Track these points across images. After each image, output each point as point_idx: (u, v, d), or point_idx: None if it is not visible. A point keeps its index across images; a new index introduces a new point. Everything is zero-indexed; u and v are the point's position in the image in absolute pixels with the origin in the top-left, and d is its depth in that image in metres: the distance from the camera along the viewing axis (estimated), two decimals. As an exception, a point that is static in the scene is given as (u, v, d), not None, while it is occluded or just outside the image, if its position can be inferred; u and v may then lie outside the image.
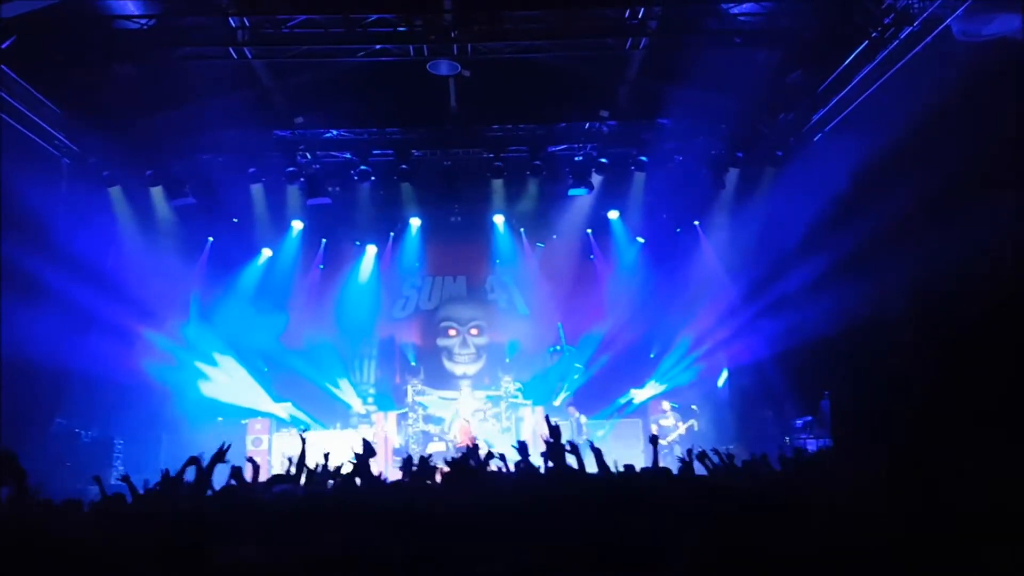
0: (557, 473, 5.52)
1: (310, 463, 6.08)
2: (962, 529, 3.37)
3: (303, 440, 6.27)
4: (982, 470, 4.65)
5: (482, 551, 3.22)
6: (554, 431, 5.68)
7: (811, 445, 12.61)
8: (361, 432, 15.69)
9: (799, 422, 13.46)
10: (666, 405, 15.18)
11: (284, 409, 15.78)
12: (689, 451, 6.37)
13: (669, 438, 14.41)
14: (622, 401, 16.17)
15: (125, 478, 6.03)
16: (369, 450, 6.06)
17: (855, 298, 11.62)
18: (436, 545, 3.28)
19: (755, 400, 14.76)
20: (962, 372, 8.96)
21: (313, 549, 3.25)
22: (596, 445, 6.53)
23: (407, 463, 6.83)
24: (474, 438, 14.91)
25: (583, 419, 15.29)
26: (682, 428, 14.69)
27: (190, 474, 5.35)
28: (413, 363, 17.19)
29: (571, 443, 5.76)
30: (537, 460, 5.94)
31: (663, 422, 14.91)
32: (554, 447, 5.52)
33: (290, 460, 6.32)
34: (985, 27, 8.86)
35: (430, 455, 9.88)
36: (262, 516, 3.97)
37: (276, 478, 6.21)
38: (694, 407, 15.05)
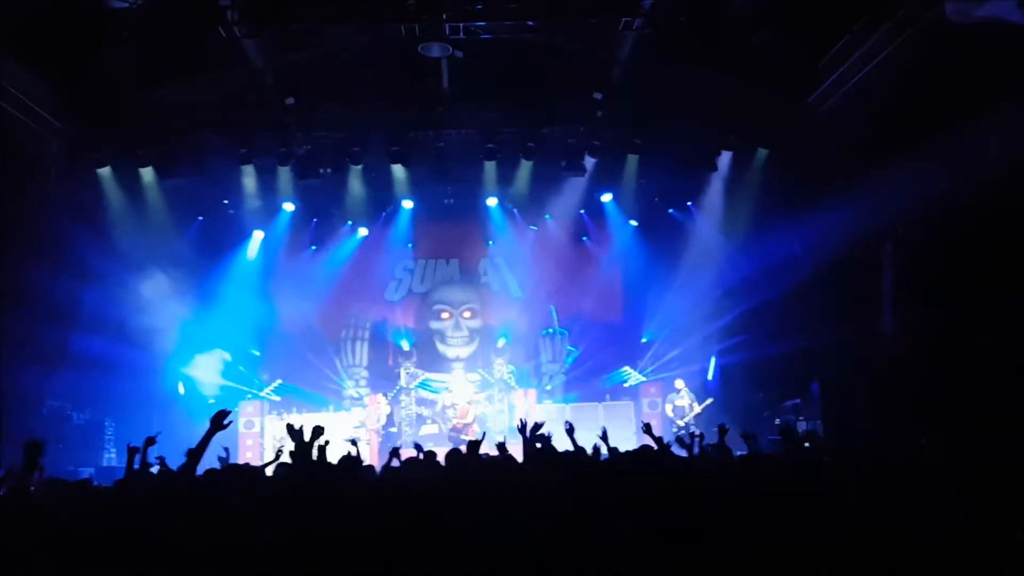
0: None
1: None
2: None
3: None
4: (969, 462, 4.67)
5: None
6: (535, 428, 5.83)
7: (801, 427, 12.67)
8: (354, 415, 15.75)
9: (788, 404, 13.51)
10: (680, 384, 14.73)
11: (274, 391, 15.80)
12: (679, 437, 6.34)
13: (685, 419, 14.08)
14: (616, 380, 16.16)
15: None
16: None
17: (849, 282, 11.66)
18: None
19: (744, 384, 14.75)
20: (958, 368, 8.98)
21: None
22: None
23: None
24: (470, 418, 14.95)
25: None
26: (698, 408, 14.25)
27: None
28: (407, 347, 17.18)
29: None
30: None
31: (678, 402, 14.56)
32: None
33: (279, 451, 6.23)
34: (976, 8, 8.85)
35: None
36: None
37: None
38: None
